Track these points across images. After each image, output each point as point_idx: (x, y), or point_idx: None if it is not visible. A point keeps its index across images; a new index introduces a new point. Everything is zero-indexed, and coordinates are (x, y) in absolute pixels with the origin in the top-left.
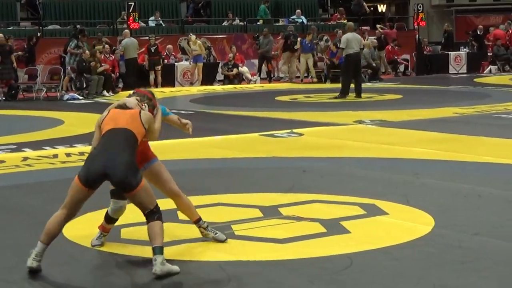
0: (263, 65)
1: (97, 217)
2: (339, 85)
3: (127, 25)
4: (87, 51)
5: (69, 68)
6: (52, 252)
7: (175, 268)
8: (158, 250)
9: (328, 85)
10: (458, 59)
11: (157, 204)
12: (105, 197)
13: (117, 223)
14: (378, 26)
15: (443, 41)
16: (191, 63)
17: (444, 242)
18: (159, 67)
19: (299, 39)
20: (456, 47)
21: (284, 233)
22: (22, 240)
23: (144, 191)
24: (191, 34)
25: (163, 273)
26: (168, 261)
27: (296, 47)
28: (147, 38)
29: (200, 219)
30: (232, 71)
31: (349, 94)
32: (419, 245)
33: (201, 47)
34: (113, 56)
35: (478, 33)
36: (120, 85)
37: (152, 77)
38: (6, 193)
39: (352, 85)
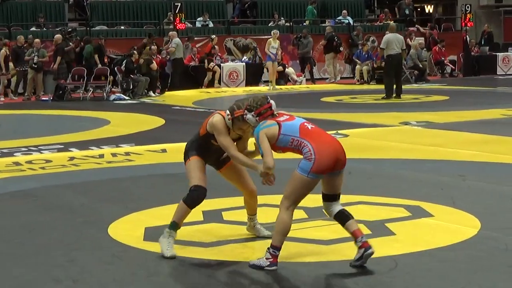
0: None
1: (141, 217)
2: (383, 86)
3: (173, 26)
4: (135, 52)
5: (116, 69)
6: (97, 251)
7: (168, 253)
8: (170, 224)
9: (373, 86)
10: (506, 60)
11: (192, 186)
12: (148, 199)
13: (161, 223)
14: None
15: (482, 42)
16: (265, 62)
17: (491, 244)
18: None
19: (357, 51)
20: (504, 48)
21: (328, 235)
22: (68, 239)
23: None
24: (273, 31)
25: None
26: (211, 261)
27: (341, 48)
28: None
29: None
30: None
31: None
32: (465, 248)
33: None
34: (160, 57)
35: None
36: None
37: (207, 78)
38: (53, 192)
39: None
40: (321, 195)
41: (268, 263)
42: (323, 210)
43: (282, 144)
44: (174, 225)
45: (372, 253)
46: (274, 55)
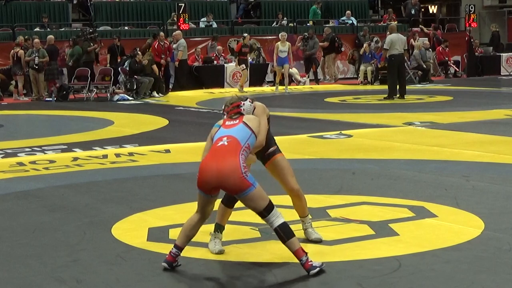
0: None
1: (144, 218)
2: (387, 87)
3: (177, 26)
4: (139, 53)
5: (120, 69)
6: (100, 251)
7: (215, 248)
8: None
9: (376, 86)
10: (510, 60)
11: None
12: (152, 199)
13: (165, 223)
14: (420, 26)
15: (489, 42)
16: (276, 64)
17: (495, 245)
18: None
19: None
20: (508, 48)
21: (332, 235)
22: (72, 239)
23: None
24: (281, 33)
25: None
26: (216, 261)
27: (342, 49)
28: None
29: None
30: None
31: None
32: (469, 248)
33: (276, 49)
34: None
35: None
36: (170, 86)
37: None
38: (57, 193)
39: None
40: (323, 196)
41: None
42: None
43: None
44: (216, 226)
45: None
46: (284, 59)
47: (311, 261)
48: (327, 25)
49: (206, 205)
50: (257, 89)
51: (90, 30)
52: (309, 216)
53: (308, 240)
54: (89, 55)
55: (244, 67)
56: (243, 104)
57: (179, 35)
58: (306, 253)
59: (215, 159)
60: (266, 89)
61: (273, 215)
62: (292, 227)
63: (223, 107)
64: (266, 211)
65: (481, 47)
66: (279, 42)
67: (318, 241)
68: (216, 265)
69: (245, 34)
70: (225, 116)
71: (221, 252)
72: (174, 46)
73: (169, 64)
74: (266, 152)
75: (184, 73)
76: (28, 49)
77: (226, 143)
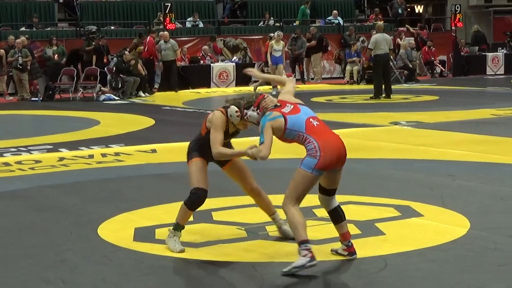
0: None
1: (131, 218)
2: (373, 86)
3: (163, 26)
4: (126, 52)
5: (106, 69)
6: (87, 251)
7: (177, 247)
8: (173, 225)
9: (363, 86)
10: (495, 60)
11: (192, 188)
12: (138, 199)
13: (151, 223)
14: (407, 26)
15: (471, 42)
16: (271, 64)
17: (480, 244)
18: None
19: (347, 51)
20: (494, 48)
21: (318, 235)
22: (58, 239)
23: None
24: (277, 32)
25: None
26: (201, 261)
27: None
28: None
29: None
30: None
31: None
32: (455, 248)
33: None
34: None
35: None
36: (156, 86)
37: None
38: (43, 193)
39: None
40: (310, 196)
41: (308, 259)
42: (319, 201)
43: (289, 137)
44: (177, 226)
45: (354, 258)
46: (278, 58)
47: (353, 246)
48: (313, 25)
49: (312, 186)
50: (244, 88)
51: (93, 30)
52: (278, 213)
53: (286, 238)
54: (89, 54)
55: (267, 70)
56: (265, 95)
57: (166, 35)
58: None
59: (329, 136)
60: (252, 88)
61: (335, 198)
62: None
63: (245, 104)
64: (335, 190)
65: (467, 46)
66: (273, 41)
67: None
68: (201, 265)
69: (271, 34)
70: (256, 110)
71: (182, 251)
72: (165, 46)
73: (155, 63)
74: None
75: (175, 73)
76: (10, 49)
77: (318, 122)
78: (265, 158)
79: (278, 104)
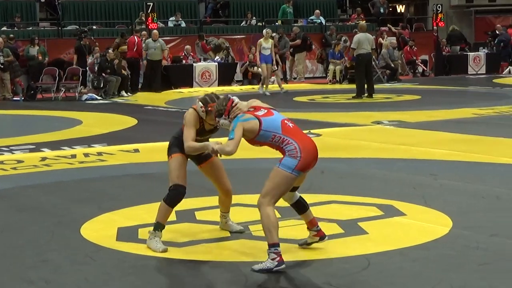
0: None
1: (113, 217)
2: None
3: (145, 26)
4: (110, 51)
5: (87, 68)
6: (69, 251)
7: (159, 247)
8: (154, 225)
9: (345, 85)
10: (477, 59)
11: (171, 185)
12: (121, 199)
13: (134, 223)
14: (388, 26)
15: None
16: (259, 63)
17: (462, 243)
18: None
19: (330, 51)
20: (475, 47)
21: (301, 234)
22: (41, 239)
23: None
24: (266, 30)
25: (148, 246)
26: (185, 261)
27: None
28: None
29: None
30: (252, 67)
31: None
32: (437, 247)
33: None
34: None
35: (497, 33)
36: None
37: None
38: (25, 193)
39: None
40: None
41: (276, 263)
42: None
43: (262, 139)
44: (158, 226)
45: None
46: (267, 56)
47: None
48: (296, 24)
49: (291, 187)
50: (226, 88)
51: (84, 29)
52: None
53: (231, 232)
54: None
55: (276, 68)
56: (234, 98)
57: (156, 34)
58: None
59: (305, 137)
60: (235, 88)
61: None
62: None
63: (218, 108)
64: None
65: (448, 46)
66: (262, 39)
67: (242, 232)
68: (185, 265)
69: (265, 33)
70: (228, 116)
71: (165, 251)
72: (154, 45)
73: (141, 63)
74: (203, 153)
75: (159, 74)
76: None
77: (292, 124)
78: (230, 154)
79: (251, 109)
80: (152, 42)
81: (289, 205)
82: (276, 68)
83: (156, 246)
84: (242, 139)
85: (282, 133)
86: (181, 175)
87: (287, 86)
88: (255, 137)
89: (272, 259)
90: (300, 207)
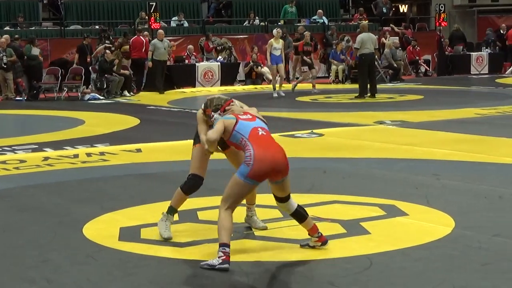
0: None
1: (116, 217)
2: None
3: (148, 25)
4: (108, 52)
5: (90, 68)
6: (71, 251)
7: (165, 234)
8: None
9: (348, 85)
10: (479, 59)
11: (190, 174)
12: (123, 199)
13: (136, 223)
14: (391, 25)
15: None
16: (270, 64)
17: (465, 243)
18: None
19: (332, 51)
20: (478, 47)
21: (304, 234)
22: (43, 239)
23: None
24: (277, 29)
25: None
26: (187, 261)
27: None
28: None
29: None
30: (256, 67)
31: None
32: (439, 247)
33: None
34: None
35: (501, 32)
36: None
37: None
38: (27, 193)
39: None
40: (295, 195)
41: (220, 261)
42: (278, 209)
43: (234, 140)
44: (171, 210)
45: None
46: (278, 57)
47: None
48: (299, 24)
49: (248, 194)
50: (229, 88)
51: (105, 29)
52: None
53: (253, 228)
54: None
55: (306, 69)
56: (234, 101)
57: (162, 33)
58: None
59: (268, 147)
60: (238, 88)
61: (292, 200)
62: (269, 225)
63: (213, 106)
64: (289, 195)
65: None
66: (272, 39)
67: (264, 229)
68: (187, 265)
69: (306, 32)
70: (226, 113)
71: (169, 239)
72: (161, 45)
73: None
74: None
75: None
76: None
77: (264, 132)
78: (211, 140)
79: (241, 113)
80: (160, 42)
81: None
82: (305, 70)
83: (164, 231)
84: None
85: (247, 138)
86: (200, 166)
87: (289, 86)
88: (229, 137)
89: (219, 257)
90: (299, 217)
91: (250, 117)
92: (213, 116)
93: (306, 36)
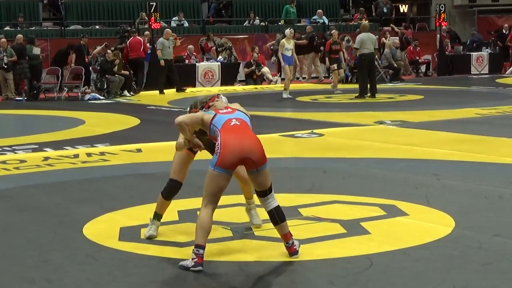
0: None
1: (116, 217)
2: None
3: (148, 25)
4: (109, 51)
5: (91, 68)
6: (71, 251)
7: (147, 233)
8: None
9: (348, 85)
10: (480, 59)
11: (169, 179)
12: (123, 199)
13: (137, 223)
14: (391, 25)
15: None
16: (283, 64)
17: (465, 243)
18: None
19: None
20: (478, 47)
21: (304, 234)
22: (43, 239)
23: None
24: (289, 29)
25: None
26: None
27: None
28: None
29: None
30: (258, 69)
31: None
32: (439, 247)
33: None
34: None
35: (504, 32)
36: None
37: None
38: (27, 193)
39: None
40: (295, 195)
41: (193, 263)
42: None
43: (212, 134)
44: (155, 215)
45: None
46: (290, 58)
47: (295, 245)
48: (298, 24)
49: (223, 185)
50: (229, 88)
51: (128, 28)
52: (254, 199)
53: (252, 222)
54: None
55: (335, 67)
56: (220, 97)
57: (169, 32)
58: (292, 238)
59: (237, 135)
60: (238, 88)
61: (272, 196)
62: (266, 225)
63: (199, 105)
64: (269, 190)
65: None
66: (284, 40)
67: (258, 226)
68: None
69: (334, 31)
70: (209, 109)
71: (150, 237)
72: (168, 44)
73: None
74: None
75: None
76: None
77: (238, 122)
78: (177, 122)
79: (224, 109)
80: (167, 41)
81: (286, 205)
82: (336, 68)
83: (147, 232)
84: None
85: (219, 129)
86: (181, 171)
87: (290, 86)
88: (209, 132)
89: (192, 259)
90: (272, 219)
91: (230, 110)
92: (203, 110)
93: (334, 35)
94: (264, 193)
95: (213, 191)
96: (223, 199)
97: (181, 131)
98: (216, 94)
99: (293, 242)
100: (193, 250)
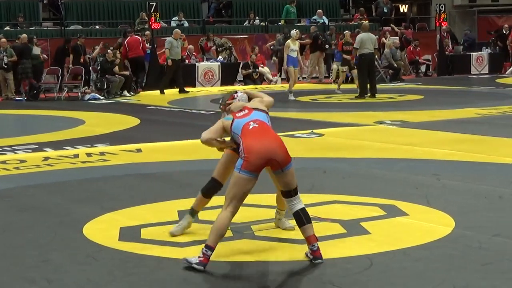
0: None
1: (116, 217)
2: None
3: (148, 25)
4: (110, 51)
5: (91, 68)
6: (71, 251)
7: (172, 230)
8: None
9: (348, 85)
10: (480, 59)
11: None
12: (123, 199)
13: (137, 223)
14: (391, 25)
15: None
16: (287, 65)
17: (465, 243)
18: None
19: (335, 50)
20: (478, 47)
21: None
22: (43, 239)
23: None
24: (295, 30)
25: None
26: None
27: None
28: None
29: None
30: (255, 73)
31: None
32: (439, 247)
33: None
34: None
35: (504, 32)
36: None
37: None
38: (27, 193)
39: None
40: (301, 196)
41: (198, 261)
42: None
43: (236, 141)
44: (190, 211)
45: (320, 263)
46: (295, 59)
47: (319, 249)
48: (298, 24)
49: (248, 188)
50: (229, 88)
51: (143, 27)
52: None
53: (281, 228)
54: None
55: (344, 70)
56: (237, 95)
57: (178, 32)
58: (317, 241)
59: (258, 137)
60: (238, 88)
61: (298, 197)
62: (269, 225)
63: (220, 106)
64: (295, 191)
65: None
66: (289, 41)
67: (291, 230)
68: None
69: (346, 32)
70: (226, 114)
71: (172, 235)
72: (177, 44)
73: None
74: None
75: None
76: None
77: (256, 124)
78: (202, 140)
79: (241, 111)
80: (176, 41)
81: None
82: (344, 70)
83: (173, 228)
84: None
85: (240, 135)
86: (223, 172)
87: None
88: (231, 137)
89: (198, 257)
90: (297, 221)
91: (247, 111)
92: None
93: (346, 35)
94: (289, 194)
95: (237, 193)
96: (223, 200)
97: (210, 146)
98: (234, 91)
99: (318, 246)
100: (202, 249)
